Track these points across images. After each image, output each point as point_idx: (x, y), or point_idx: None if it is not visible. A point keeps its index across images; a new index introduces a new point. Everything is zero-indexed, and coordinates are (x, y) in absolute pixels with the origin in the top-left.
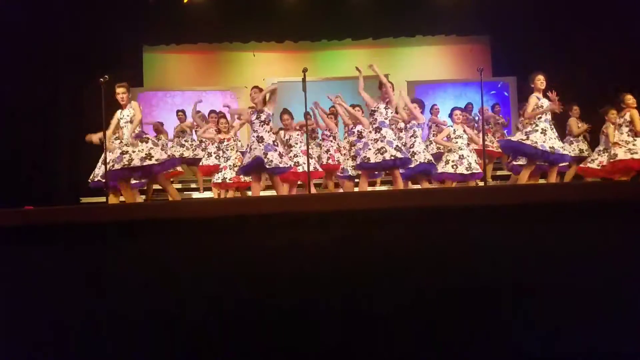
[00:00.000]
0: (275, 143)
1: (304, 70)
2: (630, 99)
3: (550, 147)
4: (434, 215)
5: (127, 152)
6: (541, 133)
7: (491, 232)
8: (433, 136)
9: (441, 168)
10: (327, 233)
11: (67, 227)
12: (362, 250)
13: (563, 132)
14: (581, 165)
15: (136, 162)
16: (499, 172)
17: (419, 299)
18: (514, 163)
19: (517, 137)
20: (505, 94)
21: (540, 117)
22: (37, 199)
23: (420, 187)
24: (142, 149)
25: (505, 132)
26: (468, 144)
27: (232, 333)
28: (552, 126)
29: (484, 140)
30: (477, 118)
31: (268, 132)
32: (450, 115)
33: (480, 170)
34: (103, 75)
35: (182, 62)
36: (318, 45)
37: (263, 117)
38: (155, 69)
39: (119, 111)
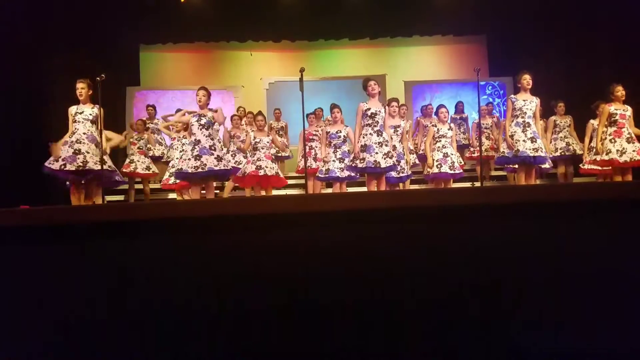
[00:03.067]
0: (213, 147)
1: (301, 70)
2: (619, 90)
3: (531, 150)
4: (433, 215)
5: (81, 152)
6: (523, 140)
7: (491, 232)
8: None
9: (426, 170)
10: (326, 233)
11: (64, 227)
12: (360, 250)
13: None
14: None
15: (91, 165)
16: (494, 172)
17: (416, 297)
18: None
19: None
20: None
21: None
22: (33, 198)
23: (420, 188)
24: (97, 153)
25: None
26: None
27: (228, 333)
28: (529, 125)
29: (480, 139)
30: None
31: (206, 136)
32: (437, 113)
33: (461, 171)
34: (100, 74)
35: (179, 61)
36: (315, 45)
37: (203, 120)
38: (152, 68)
39: (74, 107)
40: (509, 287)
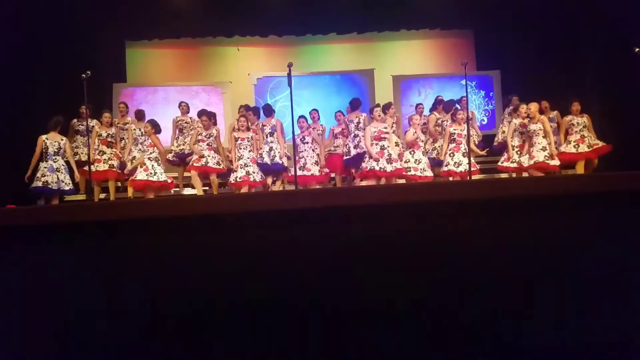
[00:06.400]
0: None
1: (289, 65)
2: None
3: None
4: (423, 211)
5: None
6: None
7: (481, 226)
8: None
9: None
10: (321, 230)
11: (50, 226)
12: (350, 246)
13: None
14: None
15: None
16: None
17: (411, 293)
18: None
19: None
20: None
21: None
22: (19, 197)
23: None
24: None
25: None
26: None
27: (219, 332)
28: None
29: (468, 133)
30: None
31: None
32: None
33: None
34: (85, 71)
35: (165, 57)
36: (303, 40)
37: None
38: (138, 64)
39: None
40: (505, 280)
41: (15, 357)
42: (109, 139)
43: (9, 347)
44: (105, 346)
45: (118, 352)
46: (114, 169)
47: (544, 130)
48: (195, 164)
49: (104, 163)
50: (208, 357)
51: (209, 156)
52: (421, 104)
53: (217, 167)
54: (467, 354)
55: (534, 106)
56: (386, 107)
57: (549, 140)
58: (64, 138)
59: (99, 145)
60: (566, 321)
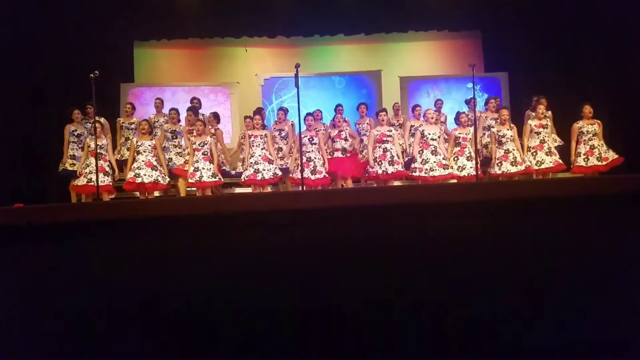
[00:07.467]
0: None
1: (297, 66)
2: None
3: None
4: (425, 212)
5: None
6: None
7: (482, 227)
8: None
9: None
10: (322, 231)
11: (50, 226)
12: (350, 246)
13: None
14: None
15: None
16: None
17: (412, 294)
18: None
19: None
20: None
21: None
22: (27, 196)
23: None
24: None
25: None
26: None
27: (214, 332)
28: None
29: (475, 136)
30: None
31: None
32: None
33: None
34: (93, 70)
35: (173, 58)
36: (310, 41)
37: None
38: (146, 65)
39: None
40: (505, 280)
41: (16, 357)
42: (98, 150)
43: (9, 347)
44: (105, 346)
45: (118, 352)
46: (92, 183)
47: (513, 136)
48: (190, 180)
49: (84, 177)
50: (208, 357)
51: (203, 169)
52: (440, 99)
53: (213, 179)
54: (468, 355)
55: (505, 112)
56: (413, 109)
57: (515, 146)
58: (66, 125)
59: (87, 157)
60: (567, 321)
